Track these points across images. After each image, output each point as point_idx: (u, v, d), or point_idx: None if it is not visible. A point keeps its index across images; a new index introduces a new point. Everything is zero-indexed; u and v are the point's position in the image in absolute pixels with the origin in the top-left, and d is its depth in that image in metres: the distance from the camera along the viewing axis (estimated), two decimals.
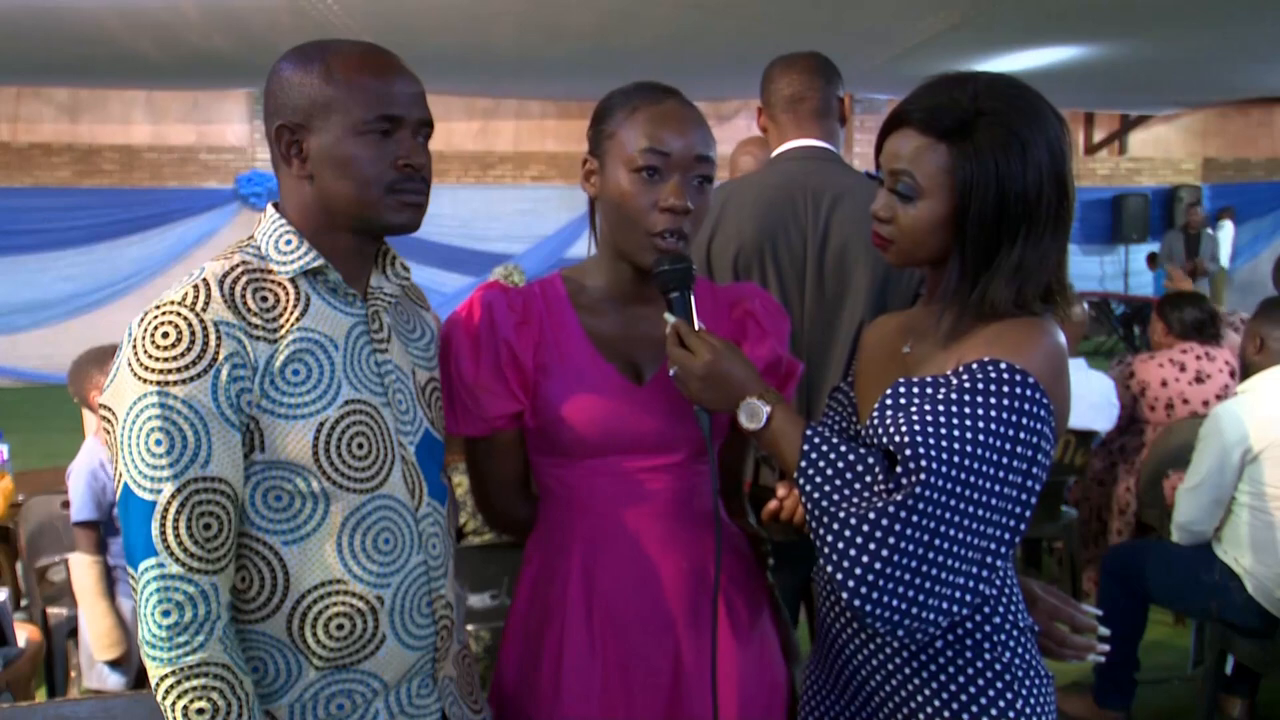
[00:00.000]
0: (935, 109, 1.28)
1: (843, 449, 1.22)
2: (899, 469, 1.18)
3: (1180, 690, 3.47)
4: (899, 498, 1.15)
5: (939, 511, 1.15)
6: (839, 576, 1.16)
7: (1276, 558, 2.91)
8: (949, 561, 1.16)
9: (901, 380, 1.28)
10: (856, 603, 1.16)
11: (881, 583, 1.15)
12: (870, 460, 1.21)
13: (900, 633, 1.18)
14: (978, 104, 1.26)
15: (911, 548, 1.15)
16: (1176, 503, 3.14)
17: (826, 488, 1.20)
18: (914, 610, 1.16)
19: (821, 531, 1.19)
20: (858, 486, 1.19)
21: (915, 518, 1.14)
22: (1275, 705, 3.37)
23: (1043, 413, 1.20)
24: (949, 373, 1.25)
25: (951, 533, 1.16)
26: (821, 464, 1.22)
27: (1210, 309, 4.07)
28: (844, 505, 1.18)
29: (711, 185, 1.45)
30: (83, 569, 2.93)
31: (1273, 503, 2.92)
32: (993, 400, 1.19)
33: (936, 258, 1.31)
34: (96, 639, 2.92)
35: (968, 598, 1.19)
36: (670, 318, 1.38)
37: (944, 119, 1.27)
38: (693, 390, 1.34)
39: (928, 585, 1.16)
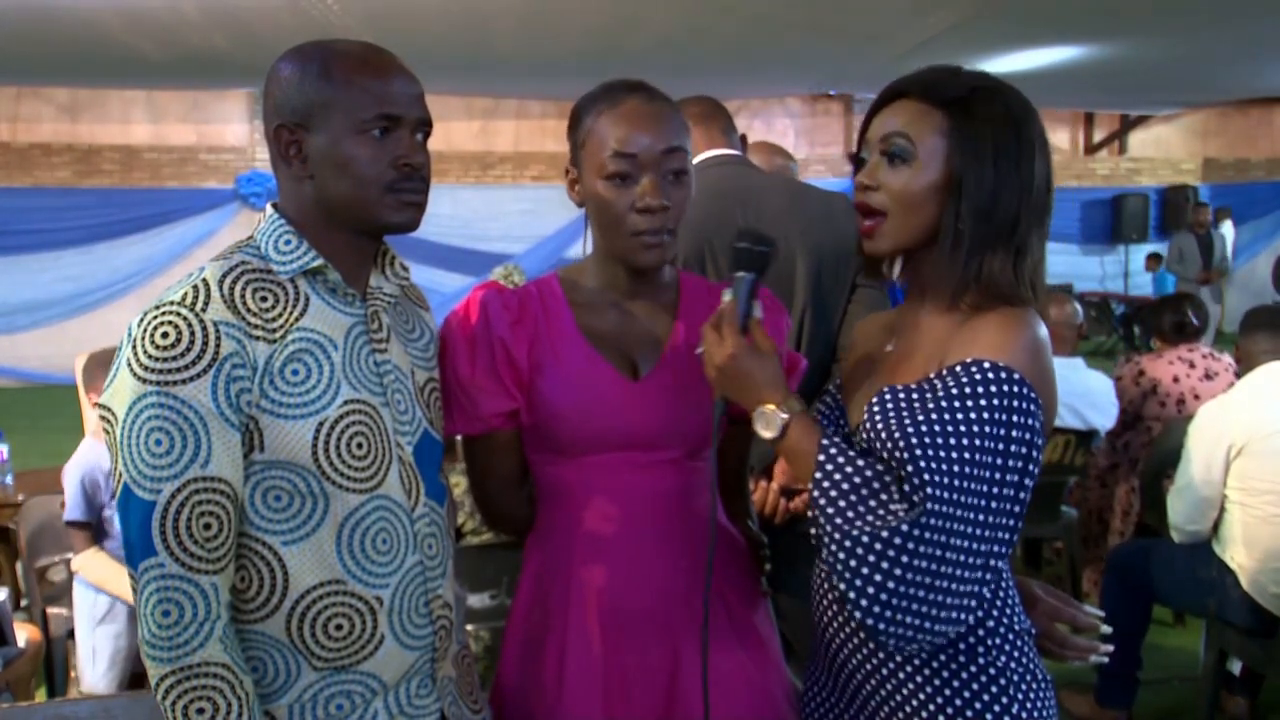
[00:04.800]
0: (933, 81, 1.29)
1: (859, 463, 1.20)
2: (906, 487, 1.16)
3: (1181, 690, 3.47)
4: (909, 520, 1.13)
5: (946, 525, 1.14)
6: (851, 595, 1.15)
7: (1268, 552, 2.92)
8: (958, 572, 1.15)
9: (886, 389, 1.26)
10: (869, 622, 1.15)
11: (895, 601, 1.14)
12: (887, 478, 1.19)
13: (909, 646, 1.18)
14: (974, 83, 1.28)
15: (924, 564, 1.14)
16: (1168, 504, 3.16)
17: (841, 503, 1.18)
18: (926, 625, 1.15)
19: (834, 548, 1.17)
20: (872, 504, 1.17)
21: (926, 534, 1.13)
22: (1277, 705, 3.37)
23: (1032, 408, 1.19)
24: (933, 377, 1.24)
25: (958, 543, 1.15)
26: (837, 477, 1.20)
27: (1187, 310, 4.11)
28: (856, 523, 1.16)
29: (688, 175, 1.44)
30: (89, 561, 2.92)
31: (1261, 498, 2.93)
32: (983, 404, 1.17)
33: (924, 235, 1.29)
34: None
35: (973, 604, 1.18)
36: (727, 296, 1.34)
37: (943, 89, 1.28)
38: (709, 375, 1.32)
39: (938, 598, 1.15)
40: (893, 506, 1.17)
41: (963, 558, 1.15)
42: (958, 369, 1.21)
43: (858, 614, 1.15)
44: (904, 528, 1.13)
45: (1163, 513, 3.27)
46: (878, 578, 1.13)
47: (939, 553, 1.14)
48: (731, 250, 1.35)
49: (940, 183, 1.26)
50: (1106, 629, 1.44)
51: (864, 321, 1.54)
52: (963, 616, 1.17)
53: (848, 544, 1.16)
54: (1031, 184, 1.26)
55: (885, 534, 1.14)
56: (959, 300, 1.28)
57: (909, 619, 1.14)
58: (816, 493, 1.20)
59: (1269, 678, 3.17)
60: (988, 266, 1.25)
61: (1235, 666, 3.22)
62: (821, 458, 1.21)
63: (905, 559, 1.13)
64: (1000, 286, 1.25)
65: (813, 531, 1.21)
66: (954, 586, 1.15)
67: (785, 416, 1.26)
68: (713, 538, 1.37)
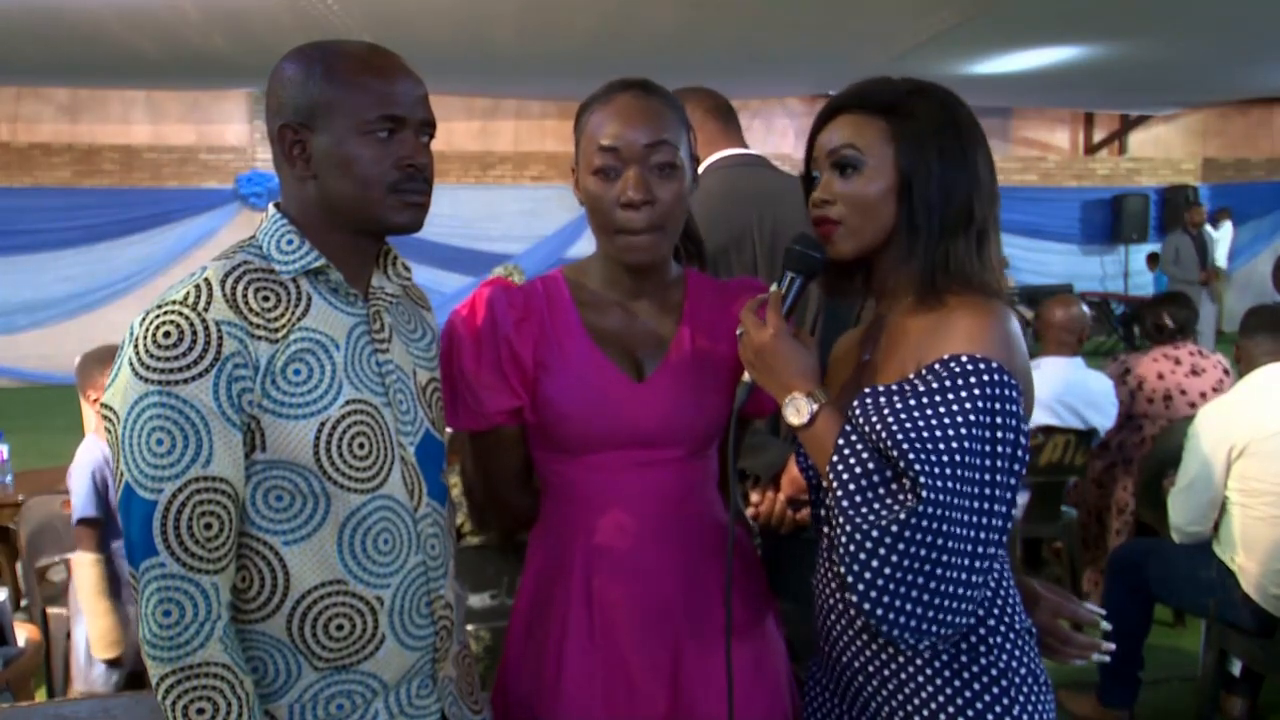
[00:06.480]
0: (869, 91, 1.34)
1: (864, 455, 1.22)
2: (906, 481, 1.18)
3: (1181, 690, 3.47)
4: (907, 511, 1.15)
5: (943, 515, 1.15)
6: (850, 580, 1.18)
7: (1268, 553, 2.92)
8: (957, 561, 1.16)
9: (867, 391, 1.27)
10: (866, 607, 1.17)
11: (894, 589, 1.16)
12: (889, 473, 1.21)
13: (912, 640, 1.19)
14: (908, 87, 1.33)
15: (922, 553, 1.15)
16: (1170, 505, 3.16)
17: (851, 488, 1.20)
18: (929, 615, 1.17)
19: (842, 536, 1.19)
20: (881, 492, 1.19)
21: (924, 523, 1.15)
22: (1276, 706, 3.37)
23: (1014, 394, 1.21)
24: (913, 376, 1.25)
25: (957, 531, 1.16)
26: (851, 462, 1.22)
27: (1163, 312, 4.15)
28: (864, 510, 1.18)
29: (679, 170, 1.43)
30: (84, 568, 2.91)
31: (1262, 499, 2.93)
32: (964, 395, 1.19)
33: (883, 237, 1.33)
34: (97, 638, 2.90)
35: (975, 596, 1.19)
36: (774, 288, 1.36)
37: (878, 97, 1.33)
38: (744, 357, 1.34)
39: (938, 587, 1.16)
40: (901, 497, 1.18)
41: (962, 546, 1.17)
42: (936, 366, 1.23)
43: (856, 599, 1.17)
44: (902, 516, 1.15)
45: (1163, 513, 3.27)
46: (875, 564, 1.16)
47: (938, 541, 1.15)
48: (785, 250, 1.37)
49: (891, 185, 1.31)
50: (1107, 625, 1.45)
51: (839, 341, 1.54)
52: (966, 608, 1.19)
53: (850, 530, 1.18)
54: (978, 172, 1.31)
55: (884, 524, 1.16)
56: (927, 293, 1.30)
57: (909, 607, 1.16)
58: (832, 477, 1.22)
59: (1269, 678, 3.17)
60: (953, 255, 1.29)
61: (1235, 666, 3.23)
62: (840, 442, 1.23)
63: (903, 547, 1.15)
64: (967, 274, 1.29)
65: (822, 525, 1.21)
66: (953, 576, 1.17)
67: (815, 405, 1.28)
68: (732, 524, 1.38)
